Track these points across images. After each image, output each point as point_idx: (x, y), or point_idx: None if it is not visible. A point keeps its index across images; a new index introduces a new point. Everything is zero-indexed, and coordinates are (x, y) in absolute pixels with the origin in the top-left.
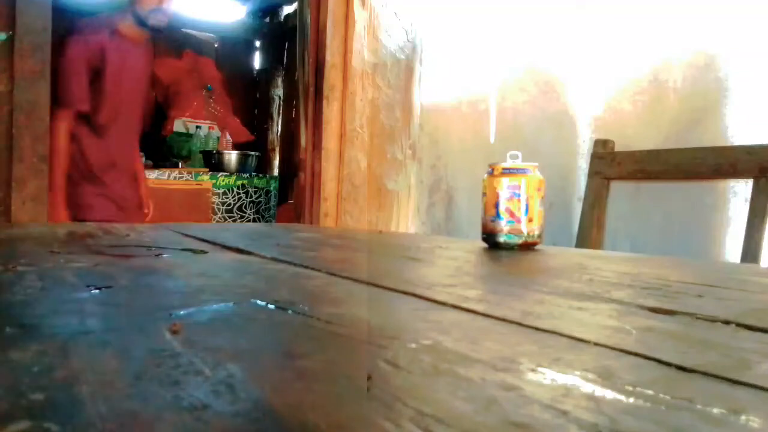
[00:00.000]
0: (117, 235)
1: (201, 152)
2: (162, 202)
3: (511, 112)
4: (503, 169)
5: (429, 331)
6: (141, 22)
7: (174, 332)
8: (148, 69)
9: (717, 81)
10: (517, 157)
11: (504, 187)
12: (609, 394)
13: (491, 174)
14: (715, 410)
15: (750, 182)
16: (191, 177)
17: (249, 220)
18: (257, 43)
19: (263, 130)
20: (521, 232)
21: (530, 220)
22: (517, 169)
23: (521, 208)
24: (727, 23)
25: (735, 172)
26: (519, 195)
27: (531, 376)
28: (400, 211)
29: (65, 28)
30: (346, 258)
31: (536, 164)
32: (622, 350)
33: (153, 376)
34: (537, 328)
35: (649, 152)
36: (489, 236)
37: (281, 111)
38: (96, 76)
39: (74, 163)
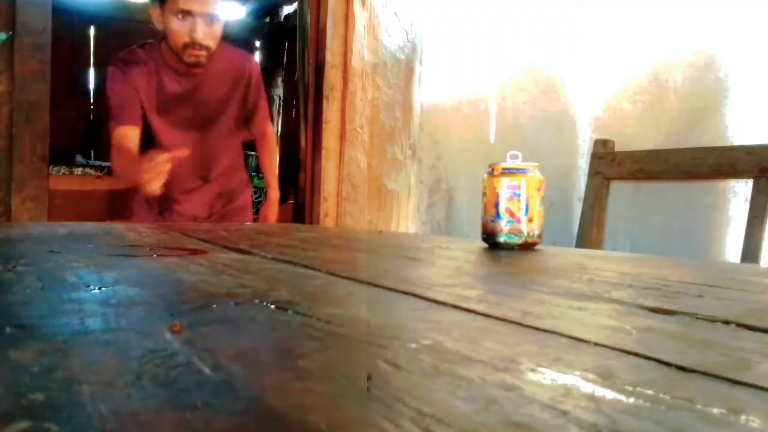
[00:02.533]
0: (117, 235)
1: None
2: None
3: (511, 112)
4: (503, 169)
5: (429, 331)
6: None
7: (174, 332)
8: (217, 98)
9: (717, 81)
10: (517, 157)
11: (504, 187)
12: (609, 394)
13: (491, 174)
14: (715, 410)
15: (750, 182)
16: None
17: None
18: (257, 43)
19: None
20: (521, 232)
21: (530, 220)
22: (517, 169)
23: (521, 208)
24: (727, 23)
25: (735, 172)
26: (519, 195)
27: (531, 376)
28: (400, 211)
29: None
30: (346, 258)
31: (536, 164)
32: (622, 350)
33: (153, 376)
34: (537, 328)
35: (649, 152)
36: (489, 236)
37: (281, 111)
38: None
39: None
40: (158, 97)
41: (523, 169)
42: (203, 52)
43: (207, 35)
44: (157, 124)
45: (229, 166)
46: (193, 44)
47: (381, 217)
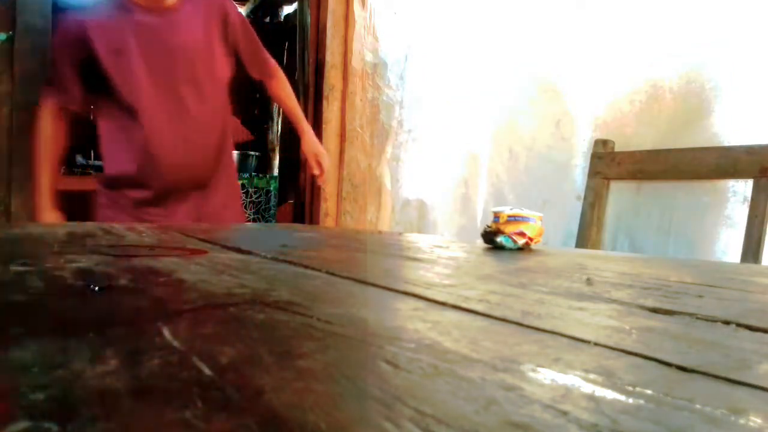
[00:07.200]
0: (117, 235)
1: None
2: None
3: (511, 112)
4: (509, 216)
5: (429, 331)
6: None
7: (175, 332)
8: (196, 38)
9: (712, 81)
10: (511, 209)
11: (509, 231)
12: (609, 394)
13: (497, 222)
14: (715, 410)
15: (750, 182)
16: None
17: (249, 220)
18: None
19: (263, 130)
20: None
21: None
22: (522, 217)
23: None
24: (723, 23)
25: (735, 172)
26: (524, 231)
27: (531, 376)
28: None
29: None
30: (346, 258)
31: (541, 215)
32: (622, 350)
33: (153, 376)
34: (537, 328)
35: (649, 152)
36: (489, 236)
37: (281, 111)
38: (90, 65)
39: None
40: (122, 39)
41: (526, 218)
42: None
43: None
44: (126, 73)
45: (223, 168)
46: None
47: (381, 217)
